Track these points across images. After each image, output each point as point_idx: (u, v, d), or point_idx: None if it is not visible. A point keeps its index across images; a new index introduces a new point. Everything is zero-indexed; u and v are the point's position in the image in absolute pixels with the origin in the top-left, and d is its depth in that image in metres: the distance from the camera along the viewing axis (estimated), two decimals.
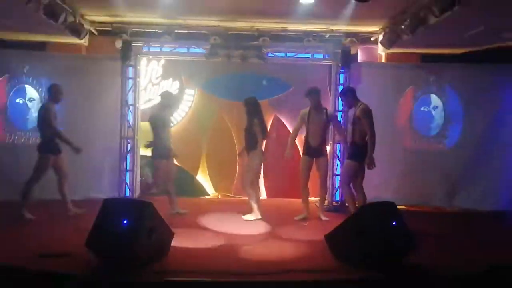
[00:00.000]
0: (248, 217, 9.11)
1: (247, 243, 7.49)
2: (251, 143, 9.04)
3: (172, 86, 11.67)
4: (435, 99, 11.06)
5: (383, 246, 6.13)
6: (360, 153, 8.25)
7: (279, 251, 7.09)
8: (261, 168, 9.35)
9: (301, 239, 7.89)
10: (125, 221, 5.92)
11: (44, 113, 8.79)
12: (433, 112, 11.09)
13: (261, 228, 8.58)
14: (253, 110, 8.98)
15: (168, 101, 9.20)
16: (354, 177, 8.39)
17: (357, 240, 6.26)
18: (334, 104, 10.72)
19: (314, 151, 9.22)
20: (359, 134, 8.28)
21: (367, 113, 8.22)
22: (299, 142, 10.53)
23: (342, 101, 8.99)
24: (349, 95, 8.58)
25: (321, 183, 9.27)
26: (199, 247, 7.13)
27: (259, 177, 9.51)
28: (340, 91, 9.23)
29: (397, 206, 6.53)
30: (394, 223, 6.27)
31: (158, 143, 8.95)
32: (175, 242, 6.78)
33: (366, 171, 8.41)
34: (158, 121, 8.96)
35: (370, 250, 6.11)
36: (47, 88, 9.23)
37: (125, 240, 5.85)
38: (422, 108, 11.07)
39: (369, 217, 6.34)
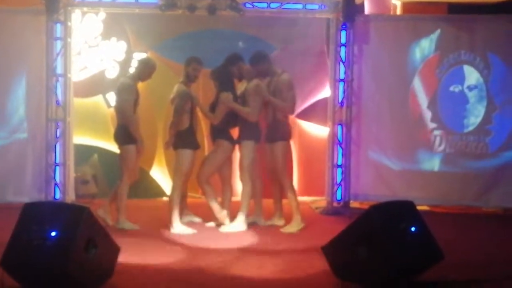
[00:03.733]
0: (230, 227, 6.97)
1: (219, 260, 5.92)
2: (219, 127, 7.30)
3: (116, 48, 8.89)
4: (471, 73, 7.85)
5: (396, 259, 4.84)
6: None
7: (261, 269, 5.57)
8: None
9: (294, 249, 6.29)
10: (53, 233, 4.56)
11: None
12: (469, 94, 7.93)
13: (239, 239, 6.70)
14: (225, 83, 7.10)
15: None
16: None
17: (361, 252, 4.97)
18: (334, 72, 8.17)
19: None
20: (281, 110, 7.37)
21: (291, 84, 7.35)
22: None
23: (255, 70, 7.36)
24: (264, 63, 7.31)
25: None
26: (155, 263, 5.74)
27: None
28: (251, 58, 7.33)
29: (417, 207, 5.22)
30: (412, 229, 4.99)
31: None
32: (122, 258, 5.30)
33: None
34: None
35: (379, 265, 4.83)
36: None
37: (54, 258, 4.51)
38: (451, 88, 7.85)
39: (378, 221, 4.99)
